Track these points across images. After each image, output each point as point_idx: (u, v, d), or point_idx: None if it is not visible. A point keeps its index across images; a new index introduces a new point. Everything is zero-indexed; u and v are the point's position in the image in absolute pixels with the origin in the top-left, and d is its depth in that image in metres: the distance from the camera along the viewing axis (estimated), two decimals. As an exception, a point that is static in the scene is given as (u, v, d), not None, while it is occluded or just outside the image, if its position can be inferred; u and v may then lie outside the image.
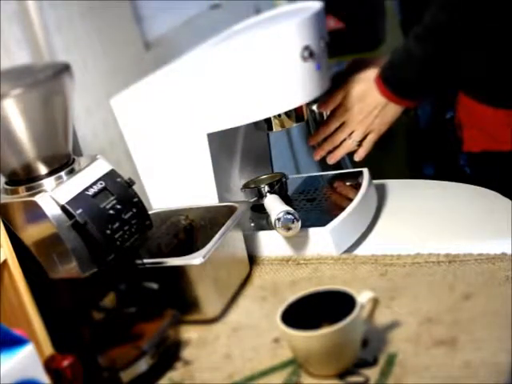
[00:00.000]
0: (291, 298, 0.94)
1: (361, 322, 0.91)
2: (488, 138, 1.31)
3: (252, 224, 1.28)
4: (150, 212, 1.08)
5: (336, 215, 1.19)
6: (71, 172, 1.00)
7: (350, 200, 1.23)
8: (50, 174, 0.98)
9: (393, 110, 1.23)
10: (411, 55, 1.19)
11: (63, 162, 1.00)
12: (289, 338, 0.91)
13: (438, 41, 1.16)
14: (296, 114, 1.25)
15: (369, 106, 1.24)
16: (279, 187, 1.30)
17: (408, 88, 1.22)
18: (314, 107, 1.31)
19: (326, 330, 0.87)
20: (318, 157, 1.31)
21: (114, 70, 1.52)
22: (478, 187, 1.29)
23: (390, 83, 1.22)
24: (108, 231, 0.96)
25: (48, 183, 0.97)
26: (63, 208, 0.95)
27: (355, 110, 1.25)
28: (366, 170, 1.33)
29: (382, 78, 1.22)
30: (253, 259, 1.22)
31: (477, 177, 1.38)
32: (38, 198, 0.94)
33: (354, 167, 1.40)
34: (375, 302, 0.94)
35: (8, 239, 0.93)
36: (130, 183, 1.02)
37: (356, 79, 1.26)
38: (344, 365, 0.90)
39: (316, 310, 0.93)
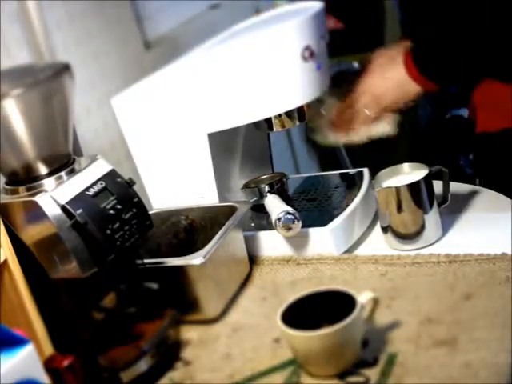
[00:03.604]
0: (291, 298, 0.94)
1: (361, 322, 0.91)
2: (506, 116, 1.27)
3: (252, 224, 1.28)
4: (150, 212, 1.08)
5: (336, 215, 1.19)
6: (71, 172, 1.00)
7: (351, 200, 1.23)
8: (50, 174, 0.98)
9: (411, 90, 1.18)
10: (443, 39, 1.15)
11: (63, 162, 1.00)
12: (289, 338, 0.91)
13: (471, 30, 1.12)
14: (296, 114, 1.25)
15: (389, 80, 1.20)
16: (279, 187, 1.30)
17: (436, 69, 1.16)
18: None
19: (326, 330, 0.87)
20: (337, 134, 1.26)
21: (115, 69, 1.52)
22: (478, 187, 1.29)
23: (418, 61, 1.16)
24: (108, 231, 0.96)
25: (48, 183, 0.97)
26: (63, 208, 0.95)
27: (375, 83, 1.21)
28: (366, 170, 1.33)
29: (412, 56, 1.17)
30: (253, 259, 1.22)
31: (477, 177, 1.37)
32: (38, 198, 0.94)
33: (354, 167, 1.40)
34: (375, 302, 0.94)
35: (8, 239, 0.93)
36: (130, 183, 1.02)
37: (379, 54, 1.24)
38: (344, 365, 0.90)
39: (316, 310, 0.93)
